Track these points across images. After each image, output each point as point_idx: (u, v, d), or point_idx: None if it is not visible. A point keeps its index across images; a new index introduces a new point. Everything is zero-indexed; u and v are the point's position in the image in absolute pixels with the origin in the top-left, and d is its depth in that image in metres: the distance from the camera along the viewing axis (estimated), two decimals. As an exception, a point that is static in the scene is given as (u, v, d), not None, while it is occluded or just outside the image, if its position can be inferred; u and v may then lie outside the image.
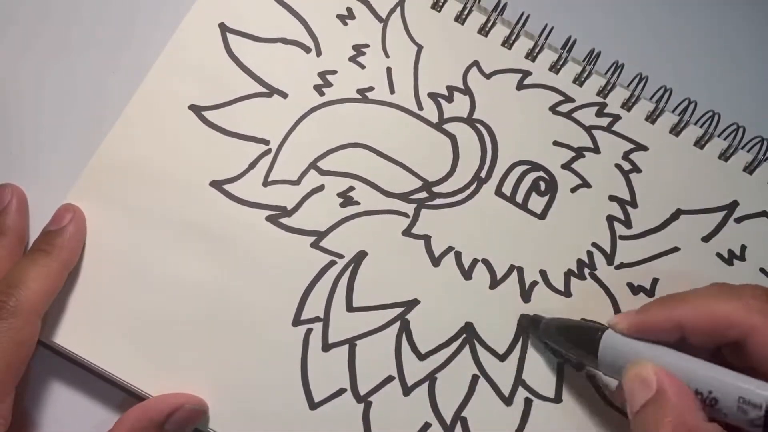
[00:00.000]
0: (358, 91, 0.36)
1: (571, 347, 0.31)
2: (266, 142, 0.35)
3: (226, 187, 0.34)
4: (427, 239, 0.35)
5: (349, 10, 0.37)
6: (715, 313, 0.27)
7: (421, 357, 0.34)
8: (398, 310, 0.34)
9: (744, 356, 0.27)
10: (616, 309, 0.35)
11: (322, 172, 0.35)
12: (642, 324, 0.29)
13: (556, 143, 0.36)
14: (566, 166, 0.36)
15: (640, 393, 0.27)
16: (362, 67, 0.36)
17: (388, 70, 0.36)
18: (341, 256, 0.34)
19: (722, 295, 0.28)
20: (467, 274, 0.35)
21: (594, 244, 0.36)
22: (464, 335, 0.34)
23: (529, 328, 0.34)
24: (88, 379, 0.33)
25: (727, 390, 0.25)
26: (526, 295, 0.35)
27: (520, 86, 0.37)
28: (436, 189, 0.35)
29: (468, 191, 0.35)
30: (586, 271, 0.35)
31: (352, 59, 0.36)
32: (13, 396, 0.30)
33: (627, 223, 0.36)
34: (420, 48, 0.37)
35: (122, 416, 0.30)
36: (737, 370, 0.26)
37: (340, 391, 0.33)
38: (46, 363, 0.34)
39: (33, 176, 0.35)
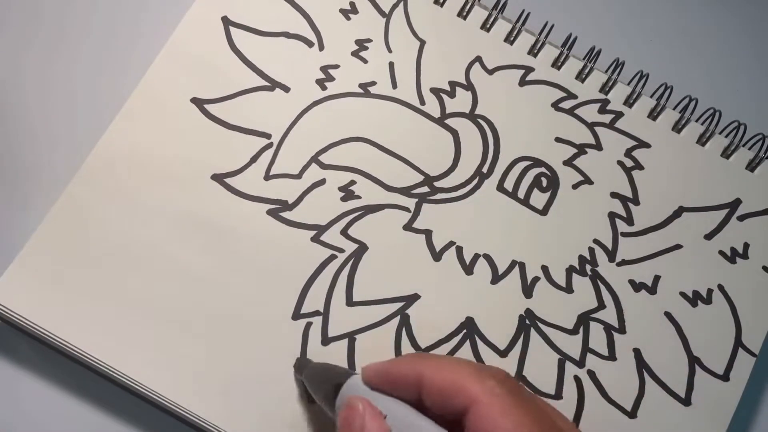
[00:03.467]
0: (361, 85, 0.36)
1: (318, 392, 0.29)
2: (268, 136, 0.35)
3: (228, 180, 0.34)
4: (428, 234, 0.35)
5: (352, 4, 0.37)
6: (453, 376, 0.26)
7: (422, 351, 0.33)
8: (398, 305, 0.34)
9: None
10: (618, 306, 0.35)
11: (324, 166, 0.35)
12: (386, 372, 0.28)
13: (558, 139, 0.36)
14: (568, 162, 0.36)
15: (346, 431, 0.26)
16: (365, 61, 0.36)
17: (391, 64, 0.36)
18: (342, 250, 0.34)
19: (467, 366, 0.27)
20: (468, 269, 0.34)
21: (596, 241, 0.35)
22: (465, 330, 0.34)
23: (296, 371, 0.32)
24: (87, 377, 0.33)
25: None
26: (527, 290, 0.35)
27: (523, 82, 0.37)
28: (437, 184, 0.35)
29: (470, 186, 0.35)
30: (588, 267, 0.35)
31: (355, 54, 0.36)
32: None
33: (629, 220, 0.36)
34: (422, 43, 0.37)
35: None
36: None
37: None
38: (43, 361, 0.34)
39: (34, 168, 0.35)
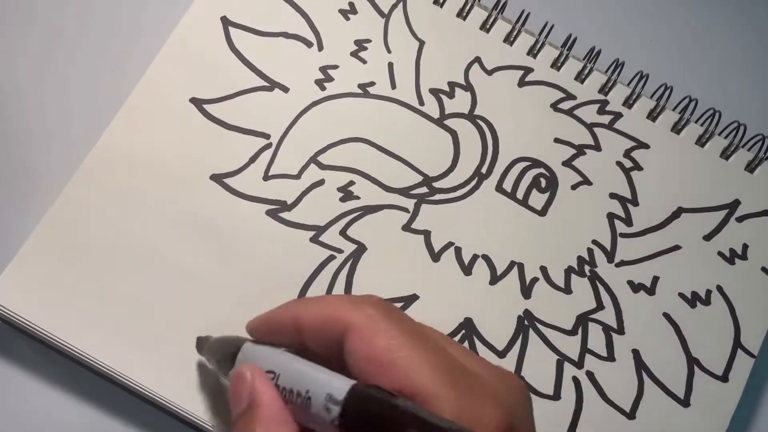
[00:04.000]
0: (360, 86, 0.36)
1: (219, 368, 0.29)
2: (267, 136, 0.35)
3: (227, 180, 0.34)
4: (427, 234, 0.35)
5: (351, 5, 0.37)
6: (326, 310, 0.26)
7: (420, 352, 0.33)
8: (397, 305, 0.34)
9: (346, 360, 0.25)
10: (617, 307, 0.35)
11: (323, 167, 0.35)
12: (266, 321, 0.28)
13: (557, 140, 0.36)
14: (567, 163, 0.36)
15: (236, 403, 0.26)
16: (364, 62, 0.36)
17: (390, 65, 0.36)
18: (340, 251, 0.34)
19: (340, 300, 0.27)
20: (467, 270, 0.34)
21: (594, 242, 0.35)
22: (463, 331, 0.34)
23: (198, 348, 0.31)
24: (87, 377, 0.33)
25: (318, 388, 0.24)
26: (526, 291, 0.35)
27: (522, 83, 0.37)
28: (436, 184, 0.35)
29: (468, 187, 0.35)
30: (587, 268, 0.35)
31: (354, 54, 0.36)
32: None
33: (628, 221, 0.36)
34: (422, 43, 0.37)
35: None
36: None
37: None
38: (42, 361, 0.34)
39: (33, 168, 0.35)
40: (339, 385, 0.23)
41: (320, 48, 0.36)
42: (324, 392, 0.23)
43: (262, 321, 0.29)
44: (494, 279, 0.35)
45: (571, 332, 0.34)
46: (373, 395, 0.23)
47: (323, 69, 0.36)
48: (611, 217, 0.36)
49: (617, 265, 0.35)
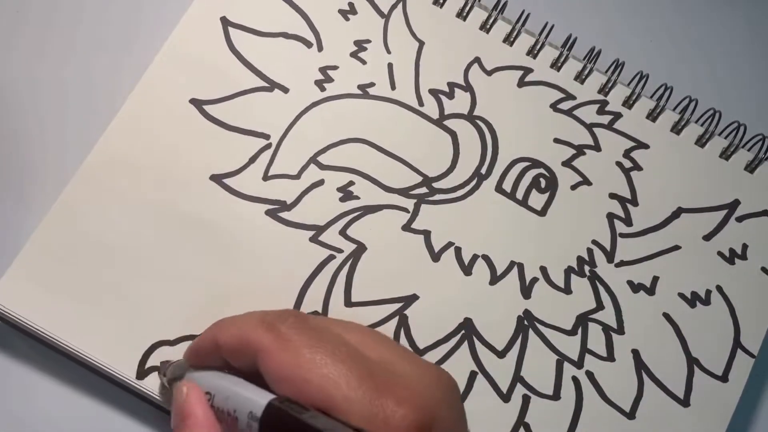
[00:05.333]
0: (359, 86, 0.36)
1: (171, 386, 0.30)
2: (267, 137, 0.35)
3: (226, 181, 0.34)
4: (426, 234, 0.35)
5: (350, 5, 0.37)
6: (240, 332, 0.27)
7: (420, 352, 0.33)
8: (397, 305, 0.34)
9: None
10: (616, 307, 0.35)
11: (322, 167, 0.35)
12: (194, 349, 0.30)
13: (556, 140, 0.36)
14: (567, 163, 0.36)
15: (174, 419, 0.27)
16: (363, 62, 0.36)
17: (389, 65, 0.36)
18: (340, 251, 0.34)
19: (249, 317, 0.28)
20: (467, 270, 0.34)
21: (594, 242, 0.35)
22: (463, 331, 0.34)
23: (160, 374, 0.32)
24: (88, 377, 0.33)
25: (242, 406, 0.25)
26: (526, 291, 0.35)
27: (522, 83, 0.37)
28: (436, 185, 0.35)
29: (468, 187, 0.35)
30: (587, 268, 0.35)
31: (354, 55, 0.36)
32: None
33: (627, 221, 0.36)
34: (421, 44, 0.37)
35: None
36: None
37: None
38: (43, 360, 0.34)
39: (33, 169, 0.36)
40: (258, 402, 0.24)
41: (320, 48, 0.36)
42: (247, 410, 0.25)
43: (191, 349, 0.30)
44: (494, 279, 0.35)
45: (571, 332, 0.34)
46: (284, 411, 0.24)
47: (323, 69, 0.36)
48: (611, 217, 0.36)
49: (617, 265, 0.35)
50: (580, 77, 0.37)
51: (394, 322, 0.34)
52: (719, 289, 0.35)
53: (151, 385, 0.32)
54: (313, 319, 0.28)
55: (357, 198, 0.35)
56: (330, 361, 0.25)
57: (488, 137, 0.36)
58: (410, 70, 0.36)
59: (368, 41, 0.36)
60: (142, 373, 0.32)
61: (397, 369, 0.26)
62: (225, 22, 0.36)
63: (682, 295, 0.35)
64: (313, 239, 0.34)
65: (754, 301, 0.35)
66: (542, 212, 0.36)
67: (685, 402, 0.34)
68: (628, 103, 0.37)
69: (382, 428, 0.24)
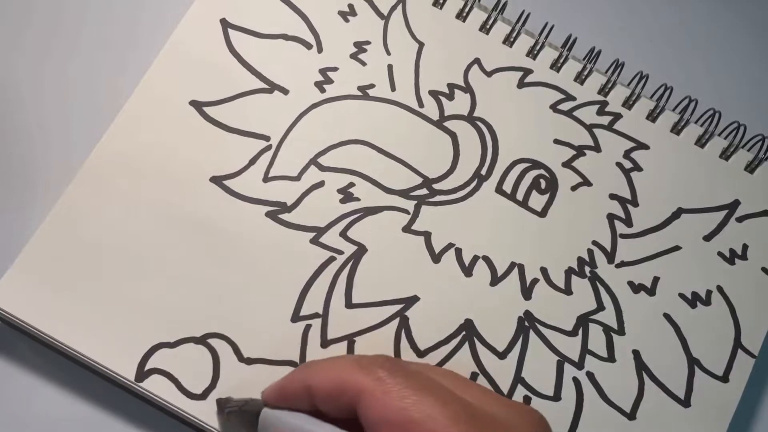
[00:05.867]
0: (359, 88, 0.36)
1: (242, 427, 0.30)
2: (267, 138, 0.35)
3: (227, 182, 0.34)
4: (427, 235, 0.35)
5: (350, 6, 0.37)
6: (337, 376, 0.27)
7: (420, 354, 0.33)
8: (397, 307, 0.34)
9: (362, 424, 0.26)
10: (617, 307, 0.35)
11: (323, 168, 0.35)
12: (279, 390, 0.29)
13: (556, 141, 0.36)
14: (567, 164, 0.36)
15: None
16: (363, 64, 0.36)
17: (389, 67, 0.36)
18: (341, 252, 0.34)
19: (349, 362, 0.28)
20: (468, 271, 0.34)
21: (595, 243, 0.35)
22: (464, 332, 0.34)
23: (219, 410, 0.32)
24: (87, 378, 0.33)
25: None
26: (526, 292, 0.35)
27: (521, 84, 0.37)
28: (436, 186, 0.35)
29: (468, 188, 0.35)
30: (587, 269, 0.35)
31: (354, 56, 0.36)
32: None
33: (628, 222, 0.36)
34: (421, 45, 0.37)
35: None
36: None
37: None
38: (43, 362, 0.34)
39: (33, 170, 0.36)
40: None
41: (320, 50, 0.36)
42: None
43: (274, 390, 0.30)
44: (495, 280, 0.35)
45: (572, 333, 0.34)
46: None
47: (323, 71, 0.36)
48: (611, 217, 0.36)
49: (617, 266, 0.35)
50: (580, 78, 0.37)
51: (395, 323, 0.34)
52: (720, 289, 0.35)
53: (151, 386, 0.32)
54: (405, 363, 0.28)
55: (357, 199, 0.35)
56: (433, 402, 0.25)
57: (488, 138, 0.36)
58: (410, 72, 0.36)
59: (368, 42, 0.36)
60: (142, 374, 0.32)
61: (494, 411, 0.27)
62: (225, 24, 0.36)
63: (682, 296, 0.35)
64: (314, 241, 0.34)
65: (755, 302, 0.35)
66: (542, 213, 0.36)
67: (685, 402, 0.34)
68: (628, 103, 0.37)
69: None
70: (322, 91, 0.36)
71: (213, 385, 0.32)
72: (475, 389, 0.28)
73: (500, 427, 0.26)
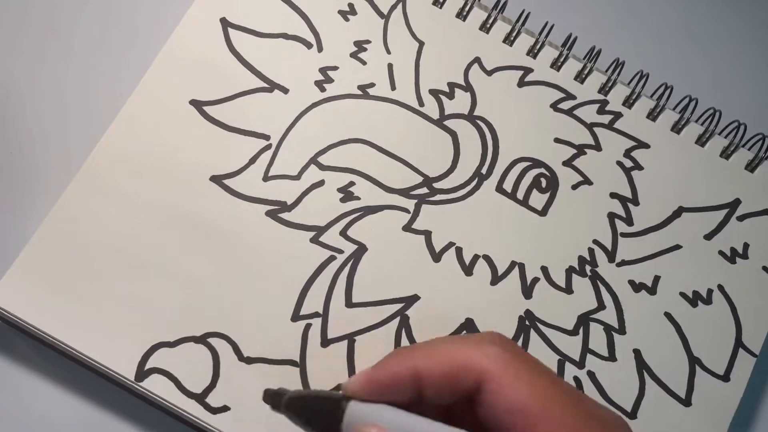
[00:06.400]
0: (359, 87, 0.36)
1: (312, 427, 0.25)
2: (267, 137, 0.35)
3: (227, 181, 0.34)
4: (427, 234, 0.35)
5: (350, 5, 0.37)
6: (452, 357, 0.24)
7: (421, 353, 0.33)
8: (398, 306, 0.34)
9: (480, 410, 0.23)
10: (618, 306, 0.35)
11: (323, 167, 0.35)
12: (376, 379, 0.24)
13: (557, 140, 0.36)
14: (567, 163, 0.36)
15: None
16: (363, 63, 0.36)
17: (390, 66, 0.36)
18: (341, 251, 0.34)
19: (460, 341, 0.25)
20: (468, 270, 0.34)
21: (595, 241, 0.35)
22: (464, 331, 0.34)
23: (272, 404, 0.26)
24: (87, 377, 0.33)
25: None
26: (527, 291, 0.34)
27: (522, 83, 0.37)
28: (436, 185, 0.35)
29: (469, 187, 0.35)
30: (588, 268, 0.35)
31: (354, 55, 0.36)
32: None
33: (628, 221, 0.36)
34: (421, 44, 0.37)
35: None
36: None
37: (339, 387, 0.33)
38: (43, 361, 0.34)
39: (34, 170, 0.35)
40: None
41: (320, 49, 0.36)
42: None
43: (369, 382, 0.25)
44: (495, 279, 0.34)
45: (573, 332, 0.34)
46: None
47: (323, 70, 0.36)
48: (612, 216, 0.36)
49: (618, 265, 0.35)
50: (580, 77, 0.37)
51: (396, 322, 0.33)
52: (720, 288, 0.35)
53: (150, 386, 0.32)
54: (516, 344, 0.25)
55: (357, 198, 0.35)
56: (563, 392, 0.23)
57: (489, 137, 0.36)
58: (410, 71, 0.36)
59: (368, 42, 0.36)
60: (142, 374, 0.32)
61: (599, 412, 0.24)
62: (225, 23, 0.36)
63: (683, 295, 0.35)
64: (314, 240, 0.34)
65: (756, 300, 0.35)
66: (543, 212, 0.36)
67: (686, 401, 0.34)
68: (629, 102, 0.37)
69: None
70: (323, 90, 0.36)
71: (213, 384, 0.32)
72: (573, 387, 0.26)
73: (607, 426, 0.23)
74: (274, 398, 0.26)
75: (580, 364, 0.34)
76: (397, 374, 0.24)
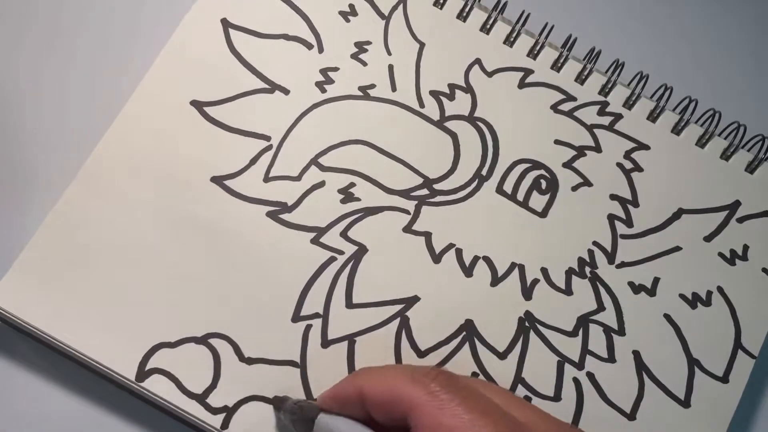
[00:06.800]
0: (360, 88, 0.36)
1: (297, 427, 0.30)
2: (267, 138, 0.35)
3: (227, 182, 0.34)
4: (427, 236, 0.35)
5: (351, 6, 0.37)
6: (389, 386, 0.27)
7: (421, 354, 0.33)
8: (398, 307, 0.34)
9: None
10: (617, 308, 0.35)
11: (323, 168, 0.35)
12: (334, 396, 0.29)
13: (557, 142, 0.36)
14: (567, 164, 0.36)
15: None
16: (364, 64, 0.36)
17: (390, 67, 0.36)
18: (341, 252, 0.34)
19: (399, 371, 0.28)
20: (468, 271, 0.34)
21: (595, 243, 0.35)
22: (464, 333, 0.34)
23: (276, 408, 0.32)
24: (87, 378, 0.33)
25: None
26: (527, 292, 0.35)
27: (522, 84, 0.37)
28: (437, 186, 0.35)
29: (469, 189, 0.35)
30: (587, 269, 0.35)
31: (354, 56, 0.36)
32: None
33: (628, 222, 0.36)
34: (422, 45, 0.37)
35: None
36: None
37: None
38: (43, 361, 0.34)
39: (33, 171, 0.36)
40: None
41: (320, 50, 0.36)
42: None
43: (329, 398, 0.30)
44: (495, 280, 0.35)
45: (572, 333, 0.34)
46: None
47: (323, 71, 0.36)
48: (612, 218, 0.36)
49: (618, 267, 0.35)
50: (581, 78, 0.37)
51: (396, 323, 0.34)
52: (720, 290, 0.35)
53: (151, 386, 0.32)
54: (457, 377, 0.28)
55: (358, 200, 0.35)
56: (485, 423, 0.25)
57: (489, 138, 0.36)
58: (411, 72, 0.36)
59: (369, 43, 0.36)
60: (142, 374, 0.32)
61: (540, 426, 0.27)
62: (226, 24, 0.36)
63: (682, 296, 0.35)
64: (314, 241, 0.34)
65: (755, 302, 0.35)
66: (543, 213, 0.36)
67: (685, 403, 0.34)
68: (629, 103, 0.37)
69: None
70: (323, 91, 0.36)
71: (214, 384, 0.32)
72: (526, 408, 0.28)
73: None
74: (276, 402, 0.32)
75: (580, 365, 0.34)
76: (348, 394, 0.28)
